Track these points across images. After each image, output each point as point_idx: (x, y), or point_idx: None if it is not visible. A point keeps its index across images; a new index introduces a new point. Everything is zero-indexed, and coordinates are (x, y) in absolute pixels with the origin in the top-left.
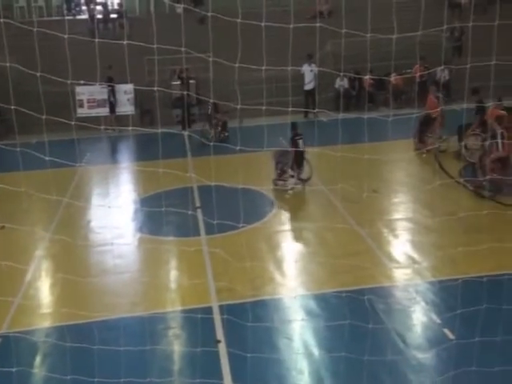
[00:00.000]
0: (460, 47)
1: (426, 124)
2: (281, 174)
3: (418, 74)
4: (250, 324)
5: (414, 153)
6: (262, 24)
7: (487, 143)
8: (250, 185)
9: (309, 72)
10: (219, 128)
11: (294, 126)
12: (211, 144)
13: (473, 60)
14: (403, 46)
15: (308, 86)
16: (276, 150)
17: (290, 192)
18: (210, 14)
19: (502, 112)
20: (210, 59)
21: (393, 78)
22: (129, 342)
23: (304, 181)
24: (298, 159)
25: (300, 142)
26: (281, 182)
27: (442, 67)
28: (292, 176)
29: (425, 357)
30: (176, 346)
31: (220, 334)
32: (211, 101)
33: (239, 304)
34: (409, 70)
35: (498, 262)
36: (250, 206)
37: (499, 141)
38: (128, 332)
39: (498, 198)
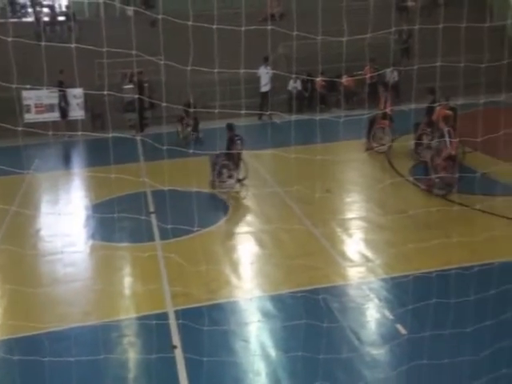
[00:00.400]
0: (408, 49)
1: (373, 124)
2: (218, 176)
3: (369, 76)
4: (206, 328)
5: (365, 152)
6: (214, 26)
7: (435, 142)
8: (204, 188)
9: (265, 74)
10: (190, 128)
11: (230, 127)
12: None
13: (420, 61)
14: (354, 49)
15: (264, 88)
16: (212, 153)
17: (245, 194)
18: (160, 17)
19: (448, 112)
20: (162, 62)
21: (344, 79)
22: (81, 353)
23: (240, 180)
24: (236, 160)
25: (238, 142)
26: (218, 184)
27: (391, 69)
28: (230, 177)
29: (379, 353)
30: (131, 353)
31: (176, 339)
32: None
33: (195, 308)
34: (360, 72)
35: (446, 258)
36: (205, 210)
37: (447, 139)
38: (80, 342)
39: (446, 196)
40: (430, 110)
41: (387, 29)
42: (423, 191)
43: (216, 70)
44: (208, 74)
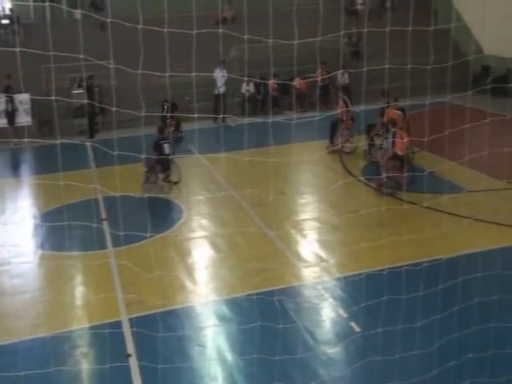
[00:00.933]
0: (358, 52)
1: (336, 126)
2: (148, 178)
3: (320, 78)
4: (161, 335)
5: (318, 154)
6: (165, 30)
7: (384, 142)
8: (157, 193)
9: (221, 77)
10: (173, 128)
11: (160, 130)
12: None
13: (370, 64)
14: (305, 52)
15: (219, 91)
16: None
17: (201, 197)
18: (109, 20)
19: (397, 112)
20: (111, 66)
21: (296, 82)
22: (31, 366)
23: (174, 183)
24: (163, 163)
25: (165, 146)
26: (148, 186)
27: (341, 71)
28: (156, 179)
29: (333, 351)
30: (84, 364)
31: (131, 347)
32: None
33: (149, 315)
34: (311, 75)
35: (397, 255)
36: (159, 215)
37: (390, 140)
38: (30, 355)
39: (396, 194)
40: (383, 112)
41: (338, 32)
42: (375, 191)
43: (168, 74)
44: (160, 78)
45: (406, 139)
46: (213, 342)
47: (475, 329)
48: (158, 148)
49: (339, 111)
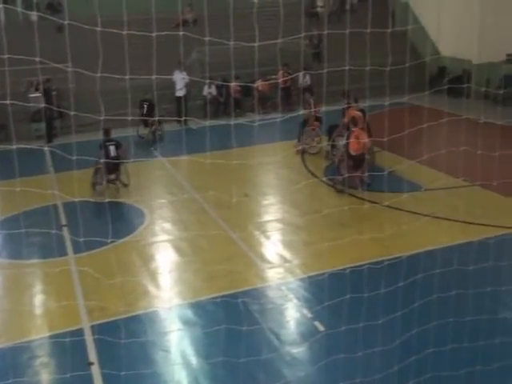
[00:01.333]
0: (319, 53)
1: (303, 127)
2: (94, 180)
3: (282, 80)
4: (123, 341)
5: (281, 155)
6: (124, 32)
7: (340, 142)
8: (118, 198)
9: (180, 79)
10: (153, 127)
11: (106, 132)
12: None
13: (331, 65)
14: (267, 54)
15: (179, 93)
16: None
17: (163, 201)
18: (66, 22)
19: (357, 113)
20: (69, 69)
21: (258, 84)
22: None
23: (123, 185)
24: (109, 165)
25: (111, 148)
26: (97, 188)
27: (302, 73)
28: (101, 180)
29: (298, 351)
30: (44, 374)
31: (93, 355)
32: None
33: (112, 322)
34: (273, 76)
35: (359, 254)
36: (121, 220)
37: (345, 140)
38: None
39: (353, 193)
40: (344, 113)
41: (299, 34)
42: (337, 191)
43: (127, 77)
44: (120, 81)
45: (365, 140)
46: (177, 346)
47: (435, 324)
48: (103, 149)
49: (306, 112)
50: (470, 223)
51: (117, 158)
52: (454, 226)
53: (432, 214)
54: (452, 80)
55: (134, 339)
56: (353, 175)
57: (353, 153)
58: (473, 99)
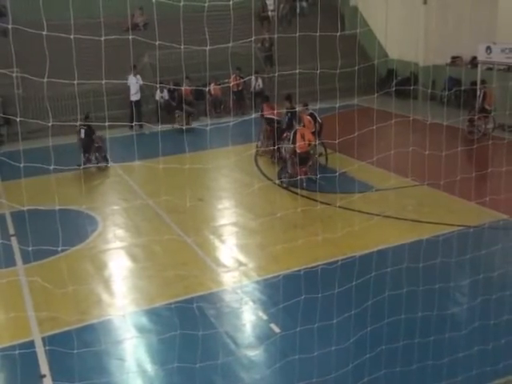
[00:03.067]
0: (271, 57)
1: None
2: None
3: (233, 84)
4: (76, 351)
5: (234, 159)
6: (71, 36)
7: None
8: (69, 205)
9: (134, 83)
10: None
11: (86, 117)
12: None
13: (283, 68)
14: (219, 57)
15: (134, 97)
16: None
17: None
18: (10, 26)
19: (308, 118)
20: (15, 75)
21: (211, 87)
22: None
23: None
24: (84, 145)
25: (82, 131)
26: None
27: (254, 76)
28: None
29: (255, 354)
30: None
31: (45, 367)
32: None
33: (64, 332)
34: (226, 80)
35: (313, 255)
36: (72, 228)
37: (283, 145)
38: None
39: (310, 195)
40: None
41: (250, 38)
42: (290, 193)
43: (76, 82)
44: (69, 87)
45: (308, 139)
46: (132, 354)
47: (387, 321)
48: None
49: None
50: (419, 221)
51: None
52: (404, 225)
53: (383, 213)
54: (400, 82)
55: (88, 349)
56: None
57: (298, 150)
58: (420, 101)
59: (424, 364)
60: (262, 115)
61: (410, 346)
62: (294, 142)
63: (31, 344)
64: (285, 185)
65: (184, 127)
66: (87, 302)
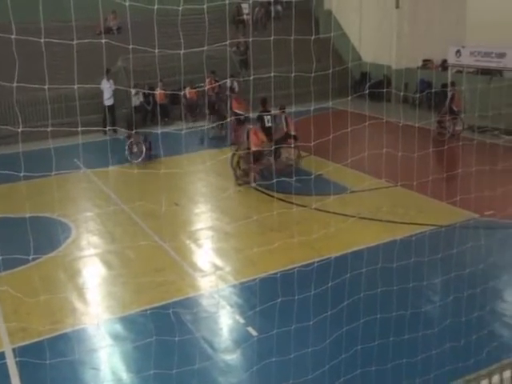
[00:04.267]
0: (246, 60)
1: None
2: None
3: (210, 87)
4: (49, 362)
5: (210, 162)
6: (42, 40)
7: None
8: (41, 212)
9: (108, 88)
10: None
11: None
12: None
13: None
14: (195, 61)
15: (108, 102)
16: None
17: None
18: None
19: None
20: None
21: (186, 91)
22: None
23: None
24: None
25: None
26: None
27: (229, 80)
28: None
29: (232, 357)
30: None
31: (16, 379)
32: None
33: (36, 343)
34: (201, 84)
35: (289, 257)
36: (44, 235)
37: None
38: None
39: (286, 198)
40: (259, 119)
41: (225, 41)
42: (266, 196)
43: (47, 86)
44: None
45: (261, 138)
46: (107, 362)
47: (363, 321)
48: None
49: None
50: (393, 222)
51: None
52: (378, 226)
53: (358, 214)
54: (374, 85)
55: (61, 359)
56: (252, 167)
57: (253, 148)
58: (393, 103)
59: (398, 362)
60: (231, 108)
61: (385, 345)
62: (248, 140)
63: (1, 355)
64: (239, 182)
65: (159, 131)
66: (60, 311)
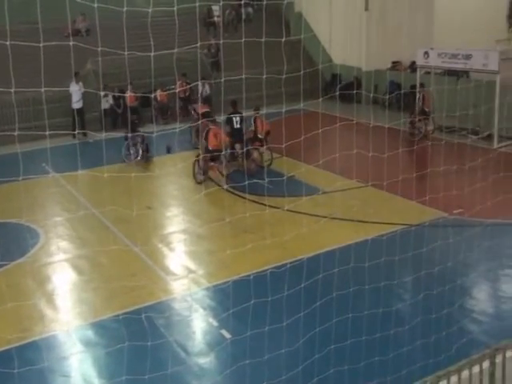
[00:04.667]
0: (217, 62)
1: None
2: None
3: (180, 90)
4: (17, 371)
5: (182, 165)
6: (7, 43)
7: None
8: (8, 218)
9: (76, 91)
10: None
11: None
12: None
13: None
14: (165, 63)
15: (76, 105)
16: None
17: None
18: None
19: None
20: None
21: (157, 94)
22: None
23: None
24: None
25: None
26: None
27: (200, 82)
28: None
29: (205, 361)
30: None
31: None
32: None
33: (3, 352)
34: (172, 86)
35: (262, 259)
36: (11, 242)
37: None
38: None
39: (259, 200)
40: (228, 120)
41: (196, 44)
42: (239, 198)
43: (13, 90)
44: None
45: (220, 138)
46: (78, 369)
47: (335, 321)
48: None
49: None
50: (365, 222)
51: None
52: (350, 226)
53: (330, 215)
54: (344, 86)
55: (30, 367)
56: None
57: (210, 148)
58: (363, 104)
59: (371, 361)
60: (194, 109)
61: (358, 343)
62: (206, 140)
63: None
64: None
65: (129, 134)
66: (28, 318)
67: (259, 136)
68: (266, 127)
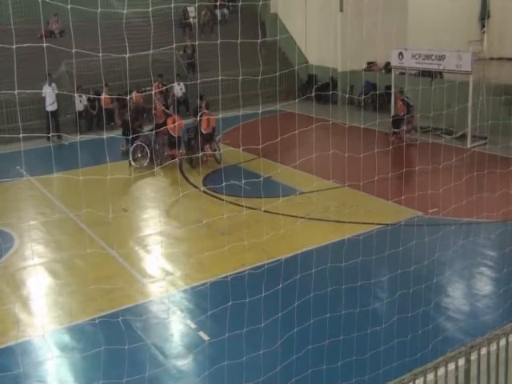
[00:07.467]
0: (193, 64)
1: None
2: None
3: (156, 91)
4: None
5: (156, 167)
6: None
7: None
8: None
9: (50, 93)
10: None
11: None
12: None
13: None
14: (141, 65)
15: (50, 108)
16: None
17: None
18: None
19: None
20: None
21: (133, 95)
22: None
23: None
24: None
25: None
26: None
27: (176, 83)
28: None
29: (183, 363)
30: None
31: None
32: None
33: None
34: (148, 88)
35: (240, 260)
36: None
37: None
38: None
39: (236, 201)
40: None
41: (172, 45)
42: (216, 199)
43: None
44: None
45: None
46: (54, 375)
47: (313, 321)
48: None
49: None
50: (342, 222)
51: None
52: (327, 226)
53: (307, 215)
54: (320, 87)
55: (5, 373)
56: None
57: (203, 131)
58: (339, 105)
59: (349, 360)
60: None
61: (336, 343)
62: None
63: None
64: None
65: (105, 136)
66: (2, 323)
67: (203, 131)
68: (212, 124)
